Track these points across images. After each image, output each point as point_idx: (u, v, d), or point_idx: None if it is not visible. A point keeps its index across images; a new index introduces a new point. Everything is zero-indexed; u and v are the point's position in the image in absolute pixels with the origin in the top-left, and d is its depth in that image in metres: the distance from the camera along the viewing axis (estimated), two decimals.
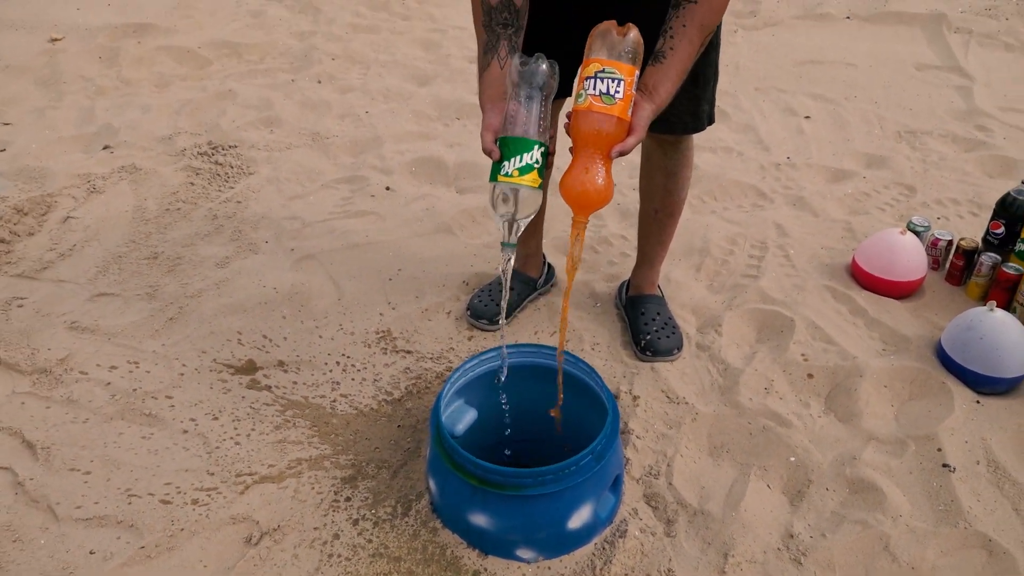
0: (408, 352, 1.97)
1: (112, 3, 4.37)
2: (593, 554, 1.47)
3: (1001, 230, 2.18)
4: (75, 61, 3.60)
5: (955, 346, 1.88)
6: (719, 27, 1.60)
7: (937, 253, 2.28)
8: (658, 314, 2.01)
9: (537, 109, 1.33)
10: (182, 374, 1.87)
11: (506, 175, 1.32)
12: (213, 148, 2.87)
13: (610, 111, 1.29)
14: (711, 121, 1.78)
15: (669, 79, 1.38)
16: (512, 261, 1.43)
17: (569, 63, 1.41)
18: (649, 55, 1.37)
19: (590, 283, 2.23)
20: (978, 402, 1.82)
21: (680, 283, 2.23)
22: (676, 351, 1.95)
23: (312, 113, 3.19)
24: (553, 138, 1.44)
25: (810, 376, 1.91)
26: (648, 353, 1.94)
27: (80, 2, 4.37)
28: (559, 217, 2.39)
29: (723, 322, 2.07)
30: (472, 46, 3.90)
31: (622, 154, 1.32)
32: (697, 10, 1.37)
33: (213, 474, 1.61)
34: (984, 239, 2.24)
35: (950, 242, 2.28)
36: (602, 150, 1.32)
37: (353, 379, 1.88)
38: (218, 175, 2.72)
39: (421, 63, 3.69)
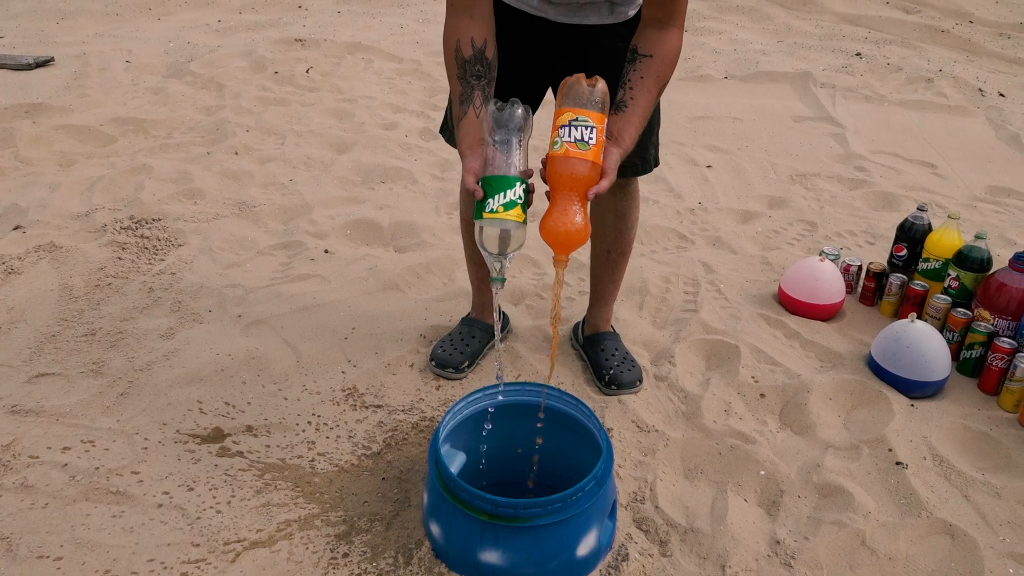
0: (378, 407, 1.96)
1: None
2: None
3: (904, 252, 2.43)
4: None
5: (885, 356, 2.06)
6: None
7: (849, 278, 2.50)
8: (616, 350, 2.10)
9: (516, 150, 1.40)
10: (145, 448, 1.78)
11: (491, 211, 1.37)
12: (136, 222, 2.78)
13: (585, 156, 1.38)
14: (656, 163, 1.92)
15: (632, 125, 1.50)
16: (501, 295, 1.49)
17: (534, 102, 1.49)
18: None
19: (543, 327, 2.30)
20: (912, 405, 2.00)
21: (627, 321, 2.33)
22: (638, 383, 2.04)
23: (234, 183, 3.16)
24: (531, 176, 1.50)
25: (763, 396, 2.04)
26: (613, 387, 2.01)
27: None
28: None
29: (674, 353, 2.18)
30: (384, 115, 3.99)
31: (598, 195, 1.41)
32: (653, 63, 1.51)
33: (199, 545, 1.54)
34: (889, 262, 2.48)
35: (860, 267, 2.51)
36: (579, 192, 1.40)
37: (328, 437, 1.85)
38: (146, 248, 2.64)
39: (336, 132, 3.73)
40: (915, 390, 2.02)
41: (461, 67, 1.53)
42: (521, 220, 1.39)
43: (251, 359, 2.09)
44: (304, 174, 3.28)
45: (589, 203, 1.43)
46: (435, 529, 1.52)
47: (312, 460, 1.78)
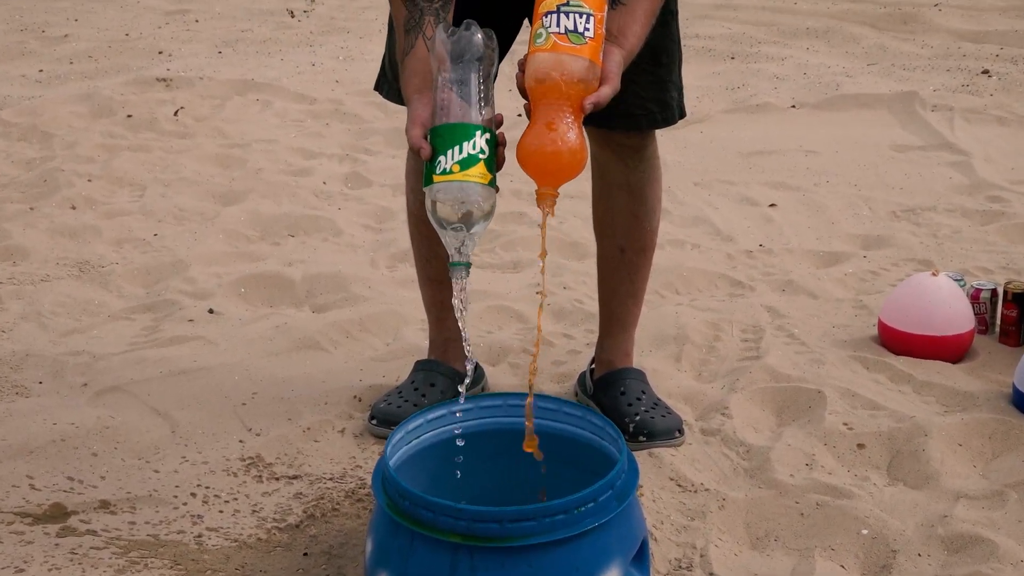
0: (294, 477, 2.13)
1: None
2: None
3: None
4: None
5: None
6: None
7: (981, 309, 2.74)
8: (643, 392, 2.29)
9: (475, 88, 1.58)
10: None
11: (444, 172, 1.53)
12: None
13: (580, 52, 1.56)
14: (683, 113, 2.19)
15: (637, 21, 1.74)
16: (466, 291, 1.63)
17: (508, 38, 1.70)
18: None
19: (536, 386, 2.49)
20: None
21: (659, 371, 2.54)
22: (677, 433, 2.22)
23: (71, 241, 3.43)
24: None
25: (860, 446, 2.23)
26: (642, 437, 2.19)
27: None
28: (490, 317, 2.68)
29: (729, 405, 2.38)
30: (292, 160, 4.34)
31: (596, 107, 1.59)
32: None
33: None
34: None
35: (994, 291, 2.75)
36: (572, 102, 1.57)
37: (222, 511, 2.01)
38: None
39: (220, 180, 4.07)
40: None
41: None
42: (487, 180, 1.54)
43: (104, 428, 2.27)
44: (174, 228, 3.57)
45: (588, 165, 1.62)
46: None
47: (199, 536, 1.93)
